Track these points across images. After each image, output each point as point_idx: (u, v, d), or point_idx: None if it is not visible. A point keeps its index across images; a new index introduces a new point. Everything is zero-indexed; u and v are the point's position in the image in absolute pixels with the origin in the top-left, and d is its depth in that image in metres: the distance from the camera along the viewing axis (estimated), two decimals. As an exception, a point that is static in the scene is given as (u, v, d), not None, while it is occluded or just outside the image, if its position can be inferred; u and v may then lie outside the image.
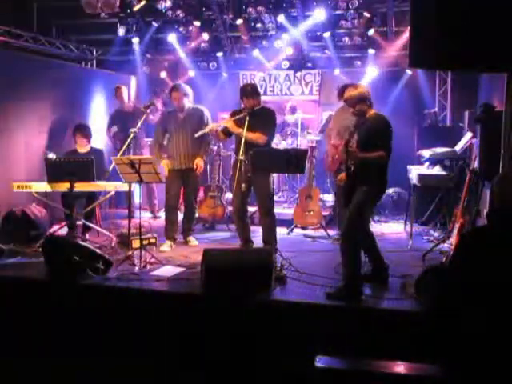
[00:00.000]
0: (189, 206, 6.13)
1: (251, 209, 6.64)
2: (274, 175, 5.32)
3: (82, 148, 6.34)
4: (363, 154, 4.16)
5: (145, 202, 7.82)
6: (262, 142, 5.27)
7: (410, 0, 4.26)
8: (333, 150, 5.87)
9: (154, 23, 7.93)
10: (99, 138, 7.39)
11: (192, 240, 6.11)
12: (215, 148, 7.43)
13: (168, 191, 5.97)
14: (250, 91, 5.37)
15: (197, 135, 5.55)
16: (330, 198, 7.63)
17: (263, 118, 5.35)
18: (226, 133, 5.54)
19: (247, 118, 5.20)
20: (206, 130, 5.48)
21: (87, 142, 6.35)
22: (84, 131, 6.32)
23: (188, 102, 5.95)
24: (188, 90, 6.00)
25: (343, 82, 7.06)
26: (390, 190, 7.57)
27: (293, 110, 8.30)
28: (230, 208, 6.72)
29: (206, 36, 8.19)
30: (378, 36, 7.86)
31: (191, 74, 9.02)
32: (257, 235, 5.60)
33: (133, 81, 9.18)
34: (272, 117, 5.45)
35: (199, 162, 5.88)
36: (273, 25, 7.89)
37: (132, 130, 5.80)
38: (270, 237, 5.25)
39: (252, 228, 5.76)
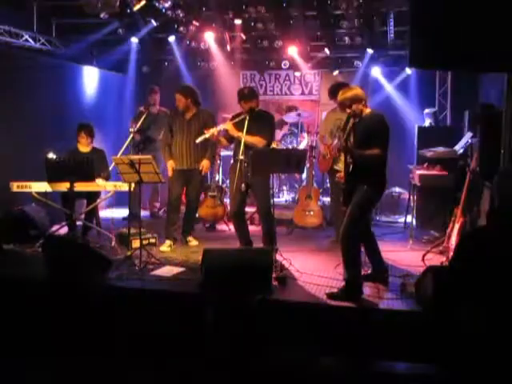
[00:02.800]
0: (190, 207, 6.14)
1: (251, 209, 6.64)
2: (274, 175, 5.32)
3: (85, 147, 6.32)
4: (359, 151, 4.17)
5: (147, 202, 7.82)
6: (260, 146, 5.25)
7: (409, 0, 4.26)
8: (325, 149, 5.85)
9: (153, 23, 7.91)
10: (99, 137, 7.38)
11: (192, 240, 6.10)
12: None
13: (170, 191, 5.97)
14: (247, 94, 5.36)
15: (197, 141, 5.48)
16: (329, 199, 7.61)
17: (262, 122, 5.34)
18: (228, 138, 5.51)
19: (247, 118, 5.21)
20: (207, 135, 5.36)
21: (90, 141, 6.34)
22: (88, 130, 6.30)
23: (194, 104, 5.88)
24: (193, 91, 5.95)
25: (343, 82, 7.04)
26: (390, 190, 7.56)
27: (290, 111, 8.26)
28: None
29: (206, 36, 8.19)
30: (378, 36, 7.85)
31: (191, 73, 9.01)
32: (256, 235, 5.60)
33: (132, 80, 9.16)
34: (271, 121, 5.48)
35: (205, 164, 5.86)
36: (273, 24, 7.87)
37: (131, 129, 5.78)
38: (269, 237, 5.25)
39: (252, 228, 5.76)
